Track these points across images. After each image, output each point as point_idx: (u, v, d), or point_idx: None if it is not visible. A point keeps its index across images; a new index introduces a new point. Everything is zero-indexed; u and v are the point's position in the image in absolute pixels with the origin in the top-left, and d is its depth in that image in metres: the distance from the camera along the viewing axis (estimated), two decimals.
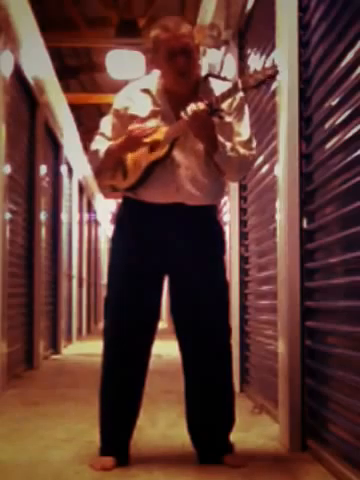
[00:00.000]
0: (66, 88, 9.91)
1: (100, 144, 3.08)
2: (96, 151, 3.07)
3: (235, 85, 2.84)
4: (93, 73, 11.14)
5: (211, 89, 3.02)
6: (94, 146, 3.10)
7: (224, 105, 2.96)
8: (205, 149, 2.96)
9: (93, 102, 11.63)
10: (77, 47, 10.07)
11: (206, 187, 3.02)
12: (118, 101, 3.11)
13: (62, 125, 9.35)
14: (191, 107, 2.84)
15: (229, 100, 2.96)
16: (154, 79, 3.07)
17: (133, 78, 8.62)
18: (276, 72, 2.82)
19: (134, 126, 2.97)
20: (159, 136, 2.96)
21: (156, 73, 3.06)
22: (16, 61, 6.25)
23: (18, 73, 6.46)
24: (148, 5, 8.87)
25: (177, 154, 2.99)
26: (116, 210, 19.59)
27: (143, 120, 3.01)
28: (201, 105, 2.84)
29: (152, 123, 2.99)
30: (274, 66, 2.84)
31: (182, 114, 2.88)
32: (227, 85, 2.97)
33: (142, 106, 3.03)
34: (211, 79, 3.07)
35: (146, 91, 3.05)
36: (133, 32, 8.81)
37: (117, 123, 3.09)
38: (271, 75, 2.80)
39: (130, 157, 3.03)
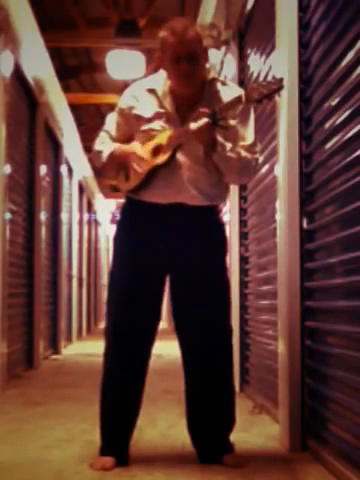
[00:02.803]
0: (66, 88, 9.91)
1: (104, 144, 3.09)
2: (100, 152, 3.08)
3: (239, 98, 2.84)
4: (93, 73, 11.14)
5: (217, 91, 3.02)
6: (98, 146, 3.11)
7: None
8: (204, 150, 2.95)
9: (93, 102, 11.64)
10: (77, 47, 10.07)
11: (208, 188, 3.02)
12: (124, 100, 3.11)
13: (62, 125, 9.35)
14: (197, 124, 2.83)
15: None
16: (160, 79, 3.06)
17: (133, 78, 8.66)
18: (281, 87, 2.80)
19: (139, 149, 2.97)
20: (162, 140, 2.96)
21: (164, 73, 3.05)
22: (16, 61, 6.25)
23: (18, 73, 6.47)
24: (148, 5, 8.86)
25: (179, 155, 2.98)
26: (116, 210, 19.62)
27: (147, 121, 3.01)
28: (205, 120, 2.83)
29: (156, 124, 2.99)
30: (279, 80, 2.82)
31: (190, 125, 2.87)
32: (232, 90, 2.98)
33: (147, 106, 3.03)
34: (217, 82, 3.07)
35: (152, 91, 3.04)
36: (133, 32, 8.80)
37: (122, 122, 3.10)
38: (276, 90, 2.79)
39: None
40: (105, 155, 3.06)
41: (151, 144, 2.98)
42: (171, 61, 2.92)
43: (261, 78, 4.36)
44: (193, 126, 2.85)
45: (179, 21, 2.98)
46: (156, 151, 2.98)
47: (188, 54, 2.89)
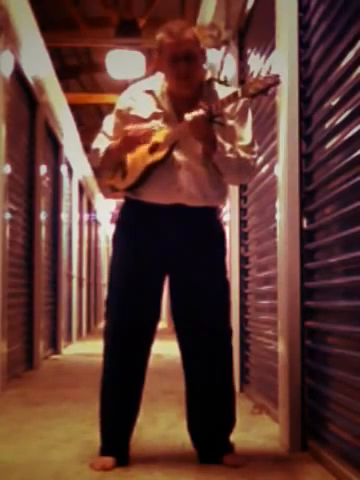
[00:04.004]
0: (66, 88, 9.91)
1: (101, 143, 3.12)
2: (96, 150, 3.11)
3: (235, 94, 2.85)
4: (93, 73, 11.15)
5: (214, 92, 3.03)
6: (95, 145, 3.14)
7: (227, 109, 2.96)
8: (203, 150, 2.96)
9: (93, 102, 11.64)
10: (77, 47, 10.07)
11: (207, 189, 3.02)
12: (121, 101, 3.14)
13: (62, 125, 9.35)
14: (192, 114, 2.85)
15: (232, 104, 2.96)
16: (159, 80, 3.08)
17: (133, 78, 8.65)
18: (277, 82, 2.81)
19: (129, 126, 3.00)
20: (159, 139, 2.97)
21: (161, 75, 3.07)
22: (16, 61, 6.25)
23: (18, 73, 6.47)
24: (148, 5, 8.87)
25: (178, 155, 2.99)
26: (116, 210, 19.62)
27: (145, 121, 3.02)
28: (201, 112, 2.84)
29: (154, 124, 3.00)
30: (275, 76, 2.83)
31: (185, 116, 2.89)
32: (230, 89, 2.99)
33: (145, 107, 3.05)
34: (215, 82, 3.08)
35: (150, 92, 3.07)
36: (133, 32, 8.81)
37: (119, 123, 3.11)
38: (271, 84, 2.80)
39: (130, 158, 3.05)
40: (101, 152, 3.08)
41: (147, 143, 2.99)
42: (169, 62, 2.93)
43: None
44: (188, 117, 2.86)
45: (176, 23, 3.01)
46: (153, 150, 2.99)
47: (185, 54, 2.90)
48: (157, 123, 3.01)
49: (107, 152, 3.07)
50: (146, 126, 2.99)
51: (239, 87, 2.92)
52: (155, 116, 3.03)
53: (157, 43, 2.98)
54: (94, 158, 3.14)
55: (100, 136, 3.15)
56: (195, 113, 2.85)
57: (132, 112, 3.07)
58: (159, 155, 2.98)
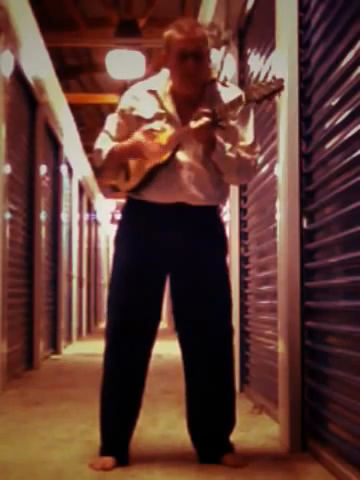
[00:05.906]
0: (66, 88, 9.91)
1: (104, 143, 3.11)
2: (99, 150, 3.10)
3: (239, 98, 2.84)
4: (93, 73, 11.14)
5: (218, 92, 3.03)
6: (98, 145, 3.12)
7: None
8: (203, 149, 2.96)
9: (93, 102, 11.63)
10: (77, 47, 10.06)
11: (209, 188, 3.02)
12: (124, 101, 3.13)
13: (62, 125, 9.35)
14: (197, 123, 2.85)
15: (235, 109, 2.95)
16: (162, 80, 3.07)
17: (133, 78, 8.65)
18: (281, 87, 2.80)
19: (138, 135, 2.98)
20: (162, 140, 2.97)
21: (165, 74, 3.07)
22: (16, 61, 6.25)
23: (18, 73, 6.47)
24: (148, 5, 8.86)
25: (180, 155, 2.99)
26: (116, 210, 19.63)
27: (148, 121, 3.02)
28: (205, 119, 2.84)
29: (156, 125, 3.00)
30: (279, 81, 2.82)
31: (190, 123, 2.88)
32: (233, 91, 2.98)
33: (147, 107, 3.04)
34: (217, 83, 3.08)
35: (153, 92, 3.06)
36: (133, 32, 8.80)
37: (122, 123, 3.11)
38: (275, 90, 2.79)
39: (133, 160, 3.04)
40: (105, 153, 3.07)
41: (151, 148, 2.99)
42: (177, 58, 2.93)
43: (261, 78, 4.36)
44: (193, 125, 2.86)
45: (186, 20, 3.01)
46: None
47: (194, 52, 2.90)
48: (161, 125, 3.01)
49: (110, 154, 3.06)
50: (155, 142, 2.97)
51: (243, 91, 2.90)
52: (158, 116, 3.02)
53: (165, 40, 2.97)
54: (97, 158, 3.13)
55: (103, 136, 3.14)
56: (200, 122, 2.84)
57: (135, 112, 3.06)
58: (163, 157, 2.97)
